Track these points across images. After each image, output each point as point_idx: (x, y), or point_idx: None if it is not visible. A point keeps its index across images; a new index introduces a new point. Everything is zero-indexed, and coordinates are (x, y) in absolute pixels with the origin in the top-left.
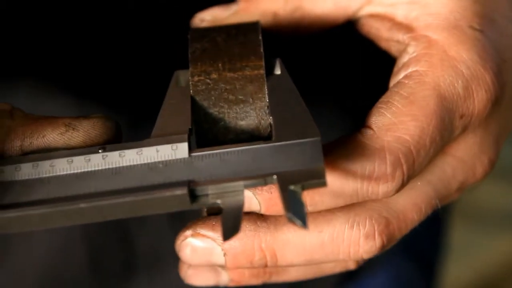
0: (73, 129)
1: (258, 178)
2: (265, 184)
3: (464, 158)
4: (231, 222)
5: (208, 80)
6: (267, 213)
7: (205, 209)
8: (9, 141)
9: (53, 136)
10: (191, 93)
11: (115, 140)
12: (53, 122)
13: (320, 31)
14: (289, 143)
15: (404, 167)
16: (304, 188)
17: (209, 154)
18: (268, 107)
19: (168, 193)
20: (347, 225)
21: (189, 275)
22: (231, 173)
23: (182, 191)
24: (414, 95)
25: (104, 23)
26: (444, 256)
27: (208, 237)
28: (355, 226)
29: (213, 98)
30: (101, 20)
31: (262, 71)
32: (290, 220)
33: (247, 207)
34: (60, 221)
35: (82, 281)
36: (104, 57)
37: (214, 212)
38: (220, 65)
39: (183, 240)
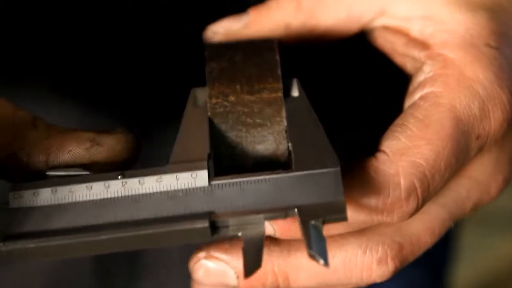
0: (98, 144)
1: (279, 211)
2: (286, 216)
3: (479, 179)
4: (252, 256)
5: (226, 103)
6: (281, 237)
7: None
8: (35, 155)
9: (79, 151)
10: (209, 115)
11: (135, 154)
12: (78, 137)
13: (333, 41)
14: (309, 173)
15: (419, 192)
16: (324, 222)
17: (229, 183)
18: (286, 131)
19: (188, 225)
20: (360, 251)
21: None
22: (252, 203)
23: (203, 224)
24: (429, 118)
25: (110, 27)
26: (453, 263)
27: (221, 260)
28: (367, 251)
29: (230, 121)
30: (106, 23)
31: (280, 94)
32: (313, 258)
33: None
34: (80, 251)
35: (87, 284)
36: (110, 62)
37: None
38: (238, 87)
39: (196, 262)
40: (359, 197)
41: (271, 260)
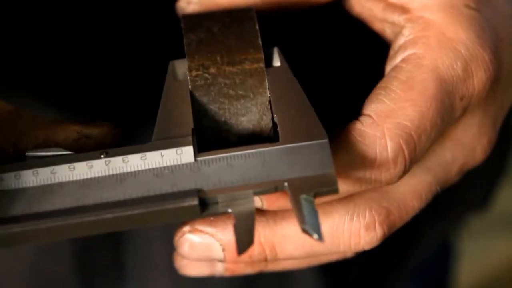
0: (85, 137)
1: (269, 185)
2: (276, 191)
3: (463, 141)
4: (244, 232)
5: (207, 75)
6: (269, 209)
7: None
8: (22, 145)
9: (66, 144)
10: (190, 88)
11: (119, 144)
12: (66, 130)
13: (309, 8)
14: (297, 146)
15: (406, 153)
16: (316, 195)
17: (215, 159)
18: (269, 102)
19: (177, 204)
20: (346, 217)
21: (183, 265)
22: (240, 179)
23: (192, 202)
24: (412, 79)
25: (96, 21)
26: (452, 275)
27: (206, 233)
28: (355, 217)
29: (212, 93)
30: (93, 17)
31: (262, 65)
32: (306, 232)
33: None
34: (66, 234)
35: (69, 284)
36: (96, 54)
37: None
38: (218, 58)
39: (181, 236)
40: (347, 162)
41: (257, 231)
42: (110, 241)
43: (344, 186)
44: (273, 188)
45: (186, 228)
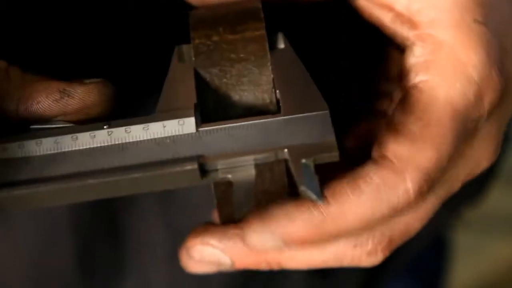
0: (68, 96)
1: (269, 152)
2: (276, 158)
3: (467, 153)
4: (243, 197)
5: (209, 42)
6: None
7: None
8: (4, 106)
9: (48, 103)
10: (193, 55)
11: (113, 107)
12: (48, 87)
13: (314, 2)
14: (298, 117)
15: (425, 190)
16: (316, 161)
17: (217, 129)
18: (270, 63)
19: (177, 168)
20: (350, 246)
21: (190, 266)
22: (241, 148)
23: (192, 166)
24: (429, 115)
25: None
26: (447, 274)
27: (217, 247)
28: (358, 246)
29: (214, 57)
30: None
31: (263, 32)
32: (304, 194)
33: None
34: (67, 198)
35: (69, 276)
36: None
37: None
38: (220, 29)
39: (191, 247)
40: (371, 206)
41: (264, 252)
42: (110, 234)
43: (369, 226)
44: (273, 154)
45: (197, 241)
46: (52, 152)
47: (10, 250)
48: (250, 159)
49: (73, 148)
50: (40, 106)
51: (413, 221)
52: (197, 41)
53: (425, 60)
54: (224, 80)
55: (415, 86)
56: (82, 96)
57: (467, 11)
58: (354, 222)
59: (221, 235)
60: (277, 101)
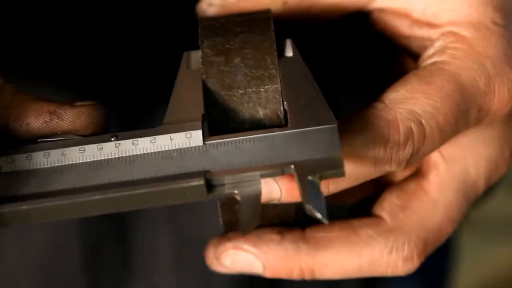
0: (58, 118)
1: (275, 168)
2: (282, 173)
3: (486, 156)
4: (249, 213)
5: (215, 22)
6: (287, 199)
7: (219, 204)
8: None
9: (37, 124)
10: (199, 30)
11: (101, 129)
12: (38, 109)
13: (327, 20)
14: (306, 130)
15: (415, 138)
16: (322, 178)
17: (224, 142)
18: (275, 40)
19: (184, 184)
20: (386, 250)
21: (219, 268)
22: (247, 162)
23: (198, 182)
24: (431, 77)
25: (102, 9)
26: (451, 274)
27: (250, 252)
28: (394, 251)
29: (219, 31)
30: (99, 6)
31: (269, 15)
32: (310, 213)
33: (268, 194)
34: (75, 213)
35: (77, 279)
36: (103, 42)
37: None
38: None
39: (223, 252)
40: (360, 142)
41: (298, 257)
42: (117, 238)
43: (356, 168)
44: (280, 170)
45: (229, 245)
46: (60, 164)
47: (19, 253)
48: (256, 174)
49: (81, 161)
50: (30, 127)
51: (444, 222)
52: (204, 22)
53: (442, 47)
54: (226, 42)
55: (426, 64)
56: (71, 119)
57: (485, 14)
58: (354, 159)
59: (256, 239)
60: (285, 112)
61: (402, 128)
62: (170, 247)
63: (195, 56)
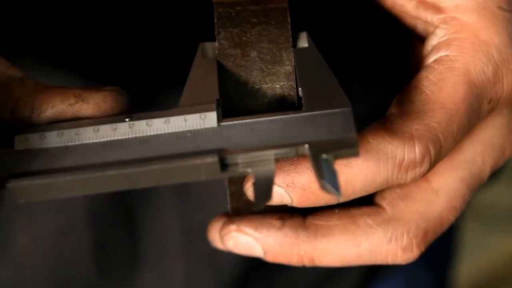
0: (83, 101)
1: (290, 147)
2: (296, 153)
3: (493, 142)
4: (263, 191)
5: (231, 10)
6: (298, 206)
7: (229, 192)
8: (18, 111)
9: (62, 107)
10: (215, 22)
11: (123, 113)
12: (64, 93)
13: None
14: (320, 113)
15: (432, 154)
16: (336, 157)
17: (238, 124)
18: (290, 26)
19: (198, 160)
20: (385, 240)
21: (219, 244)
22: (261, 142)
23: (212, 159)
24: (443, 81)
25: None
26: (456, 260)
27: (251, 235)
28: (393, 240)
29: (235, 21)
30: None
31: (286, 5)
32: (324, 188)
33: (279, 201)
34: (87, 188)
35: (86, 267)
36: (112, 40)
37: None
38: (243, 2)
39: (227, 233)
40: (376, 161)
41: (298, 244)
42: (126, 226)
43: (373, 182)
44: (294, 150)
45: (233, 227)
46: (74, 143)
47: (29, 239)
48: (270, 154)
49: (94, 140)
50: (55, 110)
51: (445, 212)
52: (220, 9)
53: (447, 39)
54: (243, 33)
55: (434, 61)
56: (96, 102)
57: None
58: (365, 173)
59: (258, 223)
60: (299, 98)
61: (418, 147)
62: (179, 234)
63: (211, 47)
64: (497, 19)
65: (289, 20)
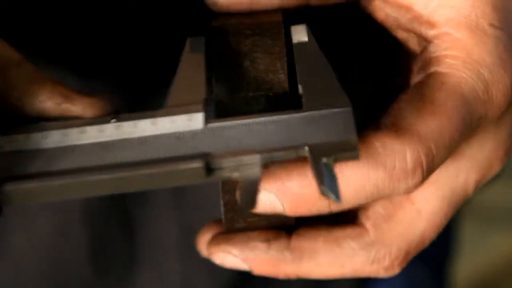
0: (70, 102)
1: (289, 150)
2: (297, 156)
3: (479, 158)
4: (248, 196)
5: (226, 23)
6: (290, 214)
7: (220, 185)
8: (9, 97)
9: (49, 104)
10: (209, 31)
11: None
12: (53, 90)
13: (330, 5)
14: (319, 113)
15: (424, 165)
16: (336, 160)
17: (225, 126)
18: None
19: (183, 166)
20: (368, 262)
21: (207, 256)
22: (250, 145)
23: (197, 164)
24: (434, 94)
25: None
26: (454, 259)
27: (237, 257)
28: (375, 262)
29: (230, 33)
30: None
31: (280, 18)
32: (324, 194)
33: (272, 209)
34: (70, 193)
35: (83, 268)
36: (110, 39)
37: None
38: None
39: (213, 253)
40: (366, 169)
41: (284, 264)
42: (123, 227)
43: (363, 192)
44: (294, 153)
45: (220, 248)
46: (60, 145)
47: (25, 240)
48: (257, 158)
49: (81, 142)
50: (42, 105)
51: (427, 231)
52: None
53: (439, 55)
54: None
55: (426, 76)
56: (83, 107)
57: (484, 15)
58: (355, 183)
59: (243, 246)
60: (300, 95)
61: (410, 157)
62: (176, 236)
63: (199, 42)
64: (488, 38)
65: (283, 31)
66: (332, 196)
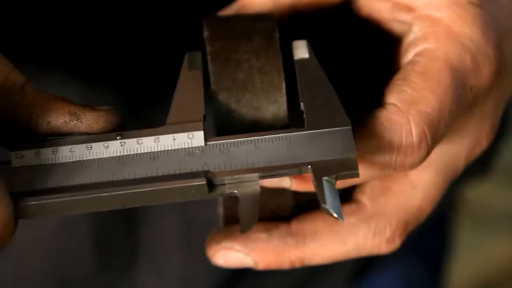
0: (77, 119)
1: (293, 168)
2: (300, 173)
3: (469, 131)
4: (248, 213)
5: (222, 30)
6: (297, 189)
7: (223, 211)
8: (14, 121)
9: (57, 124)
10: (206, 36)
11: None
12: (59, 109)
13: (320, 10)
14: (320, 132)
15: (429, 138)
16: (337, 178)
17: (225, 143)
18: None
19: (185, 183)
20: (369, 235)
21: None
22: (250, 163)
23: (200, 181)
24: (429, 70)
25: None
26: (450, 256)
27: (241, 252)
28: (377, 235)
29: (226, 44)
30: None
31: (275, 25)
32: (327, 212)
33: (279, 183)
34: (75, 209)
35: (86, 264)
36: (111, 41)
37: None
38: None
39: (217, 252)
40: (374, 147)
41: (288, 251)
42: (125, 224)
43: (370, 171)
44: (298, 170)
45: (222, 246)
46: (67, 161)
47: (29, 237)
48: (256, 175)
49: (88, 158)
50: (50, 126)
51: (423, 203)
52: (209, 17)
53: (423, 33)
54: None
55: (415, 54)
56: (90, 122)
57: None
58: (365, 160)
59: (245, 239)
60: (301, 113)
61: (415, 131)
62: (177, 232)
63: (197, 57)
64: (467, 14)
65: (278, 44)
66: (334, 214)
